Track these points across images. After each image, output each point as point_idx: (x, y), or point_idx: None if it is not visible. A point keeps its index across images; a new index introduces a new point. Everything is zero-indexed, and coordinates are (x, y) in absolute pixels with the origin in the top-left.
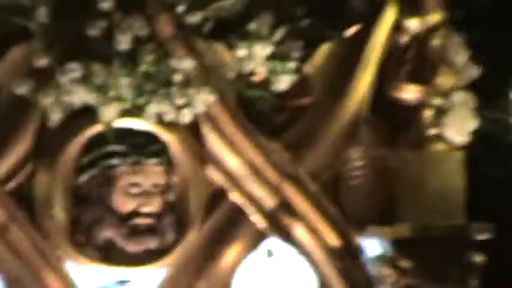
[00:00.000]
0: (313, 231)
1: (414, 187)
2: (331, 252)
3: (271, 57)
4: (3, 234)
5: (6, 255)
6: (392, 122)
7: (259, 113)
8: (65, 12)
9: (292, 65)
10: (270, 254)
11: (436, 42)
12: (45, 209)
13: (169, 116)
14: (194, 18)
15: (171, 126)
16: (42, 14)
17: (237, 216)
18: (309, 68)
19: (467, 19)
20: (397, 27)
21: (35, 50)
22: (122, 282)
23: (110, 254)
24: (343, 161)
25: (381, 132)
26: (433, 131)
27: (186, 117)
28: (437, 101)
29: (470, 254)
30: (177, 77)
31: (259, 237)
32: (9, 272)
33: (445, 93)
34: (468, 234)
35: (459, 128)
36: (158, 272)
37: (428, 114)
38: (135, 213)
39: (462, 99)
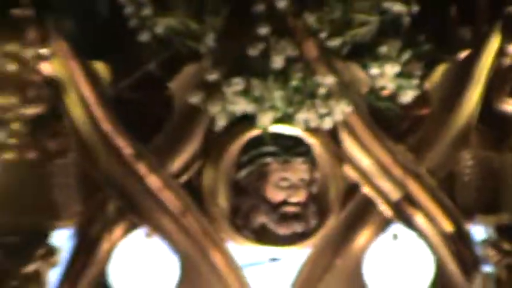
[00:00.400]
0: (431, 219)
1: None
2: (445, 236)
3: (398, 75)
4: (179, 220)
5: (181, 237)
6: (497, 130)
7: (387, 121)
8: (229, 36)
9: (415, 81)
10: (395, 237)
11: None
12: (211, 199)
13: (314, 123)
14: (334, 42)
15: (314, 131)
16: (210, 38)
17: (368, 206)
18: (428, 85)
19: None
20: (501, 52)
21: (204, 67)
22: (273, 259)
23: (263, 236)
24: (456, 161)
25: (487, 138)
26: None
27: (327, 124)
28: None
29: None
30: (321, 91)
31: (386, 223)
32: (183, 250)
33: None
34: None
35: None
36: (303, 251)
37: None
38: (284, 203)
39: None
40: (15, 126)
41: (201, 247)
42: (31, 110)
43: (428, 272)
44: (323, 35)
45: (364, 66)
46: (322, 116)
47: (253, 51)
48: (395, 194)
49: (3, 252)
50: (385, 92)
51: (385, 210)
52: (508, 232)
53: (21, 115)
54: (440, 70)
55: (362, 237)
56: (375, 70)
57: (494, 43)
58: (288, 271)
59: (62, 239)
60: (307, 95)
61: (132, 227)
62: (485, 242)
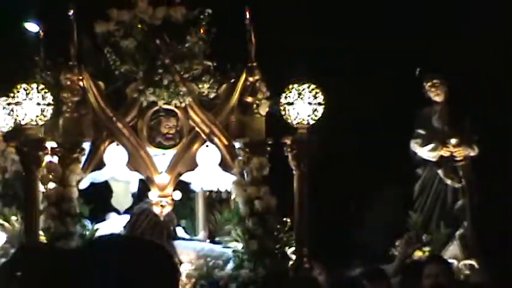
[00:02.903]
0: (219, 138)
1: None
2: (225, 146)
3: (208, 88)
4: (130, 139)
5: (130, 145)
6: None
7: (205, 104)
8: (147, 75)
9: (214, 90)
10: (207, 146)
11: (258, 85)
12: (141, 132)
13: (178, 104)
14: (185, 75)
15: (179, 107)
16: (140, 74)
17: (197, 135)
18: (220, 91)
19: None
20: (245, 81)
21: (139, 83)
22: (163, 154)
23: (160, 145)
24: (226, 121)
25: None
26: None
27: (182, 105)
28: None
29: None
30: (181, 93)
31: (203, 141)
32: (131, 150)
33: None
34: None
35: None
36: (174, 151)
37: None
38: (167, 132)
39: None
40: (68, 104)
41: (137, 148)
42: (74, 98)
43: (218, 156)
44: (179, 75)
45: (195, 85)
46: (181, 102)
47: (156, 79)
48: (207, 130)
49: (63, 150)
50: (204, 94)
51: (201, 135)
52: (250, 145)
53: (71, 100)
54: (224, 87)
55: (195, 146)
56: (195, 86)
57: (243, 77)
58: (169, 158)
59: (86, 146)
60: (175, 95)
61: (112, 141)
62: (239, 148)
